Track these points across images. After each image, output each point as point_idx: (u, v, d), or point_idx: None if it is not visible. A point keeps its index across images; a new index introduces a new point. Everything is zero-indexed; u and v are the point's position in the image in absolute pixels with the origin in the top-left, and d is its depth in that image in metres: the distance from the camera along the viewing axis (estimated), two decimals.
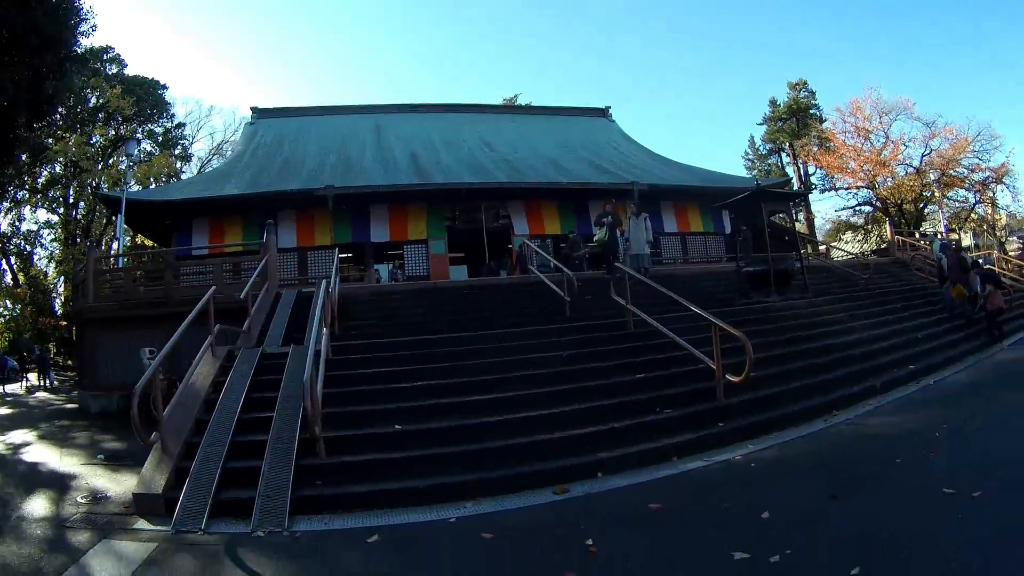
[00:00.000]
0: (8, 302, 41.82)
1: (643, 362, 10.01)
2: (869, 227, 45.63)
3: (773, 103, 56.89)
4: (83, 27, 18.96)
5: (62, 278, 42.77)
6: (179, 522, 6.20)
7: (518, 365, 9.77)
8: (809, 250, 33.08)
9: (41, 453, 11.00)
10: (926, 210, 41.34)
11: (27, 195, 42.96)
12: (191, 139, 54.14)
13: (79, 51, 20.78)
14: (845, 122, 42.21)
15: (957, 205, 42.11)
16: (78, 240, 42.41)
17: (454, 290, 16.74)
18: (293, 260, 23.78)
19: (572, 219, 26.08)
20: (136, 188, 39.38)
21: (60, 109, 31.88)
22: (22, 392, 26.80)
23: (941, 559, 4.30)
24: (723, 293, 16.07)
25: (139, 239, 36.75)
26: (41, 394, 25.70)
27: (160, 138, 50.64)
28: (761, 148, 59.02)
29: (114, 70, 47.61)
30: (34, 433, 13.30)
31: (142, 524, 6.42)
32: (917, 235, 30.82)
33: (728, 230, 27.02)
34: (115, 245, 30.23)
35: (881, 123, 40.30)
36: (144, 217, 26.02)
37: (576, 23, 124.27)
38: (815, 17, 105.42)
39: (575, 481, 6.88)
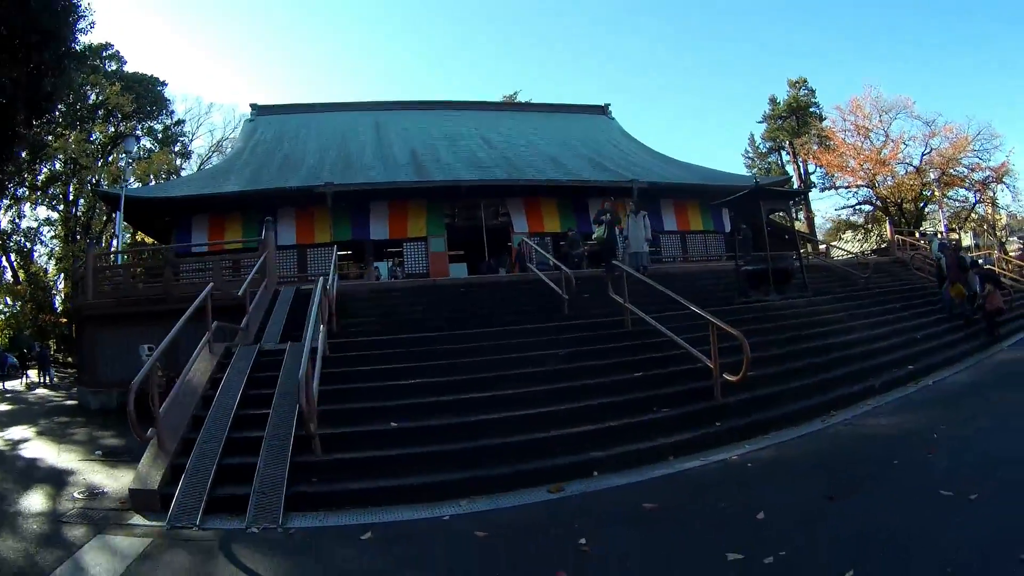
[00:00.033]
0: (8, 299, 41.82)
1: (640, 361, 9.97)
2: (869, 226, 45.51)
3: (773, 101, 56.85)
4: (81, 24, 18.89)
5: (62, 275, 42.73)
6: (174, 518, 6.21)
7: (515, 363, 9.73)
8: (809, 249, 33.10)
9: (39, 449, 11.01)
10: (926, 209, 41.26)
11: (27, 192, 42.95)
12: (191, 136, 54.20)
13: (78, 48, 20.72)
14: (845, 120, 42.20)
15: (957, 205, 42.02)
16: (78, 237, 42.35)
17: (453, 288, 16.71)
18: (293, 257, 23.87)
19: (572, 217, 26.11)
20: (136, 185, 39.39)
21: (60, 106, 31.96)
22: (22, 389, 26.81)
23: (937, 562, 4.27)
24: (722, 292, 16.09)
25: (139, 236, 36.79)
26: (41, 391, 25.72)
27: (160, 135, 50.63)
28: (761, 146, 59.03)
29: (114, 67, 47.59)
30: (33, 429, 13.32)
31: (137, 520, 6.43)
32: (917, 234, 30.73)
33: (728, 228, 26.92)
34: (115, 242, 30.17)
35: (881, 122, 40.28)
36: (144, 214, 26.09)
37: (576, 21, 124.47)
38: (816, 16, 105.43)
39: (571, 480, 6.86)
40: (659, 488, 6.58)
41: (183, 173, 46.30)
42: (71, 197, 44.92)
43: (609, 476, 7.00)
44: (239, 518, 6.15)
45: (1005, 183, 38.83)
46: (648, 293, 11.66)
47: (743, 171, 51.28)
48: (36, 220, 46.97)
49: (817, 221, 50.85)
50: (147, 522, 6.33)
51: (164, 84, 50.16)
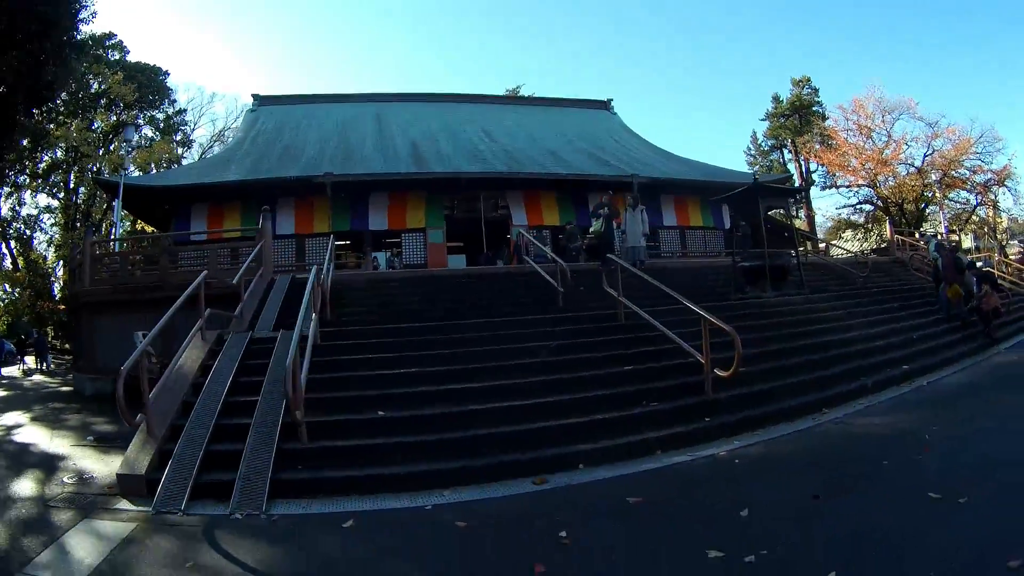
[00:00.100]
0: (7, 286, 41.89)
1: (632, 354, 9.95)
2: (869, 226, 45.41)
3: (776, 99, 56.76)
4: (83, 14, 18.97)
5: (61, 262, 42.77)
6: (160, 503, 6.24)
7: (507, 354, 9.73)
8: (809, 247, 33.05)
9: (32, 435, 11.05)
10: (927, 210, 41.19)
11: (28, 180, 43.09)
12: (192, 125, 54.27)
13: (79, 38, 20.71)
14: (847, 120, 42.22)
15: (958, 206, 41.91)
16: (78, 225, 42.41)
17: (449, 279, 16.73)
18: (291, 247, 23.85)
19: (571, 211, 26.04)
20: (137, 174, 39.37)
21: (62, 95, 32.05)
22: (19, 375, 26.88)
23: (922, 567, 4.21)
24: (720, 288, 16.04)
25: (140, 225, 36.81)
26: (37, 377, 25.78)
27: (161, 124, 50.66)
28: (763, 144, 59.02)
29: (116, 56, 47.62)
30: (27, 415, 13.36)
31: (124, 504, 6.46)
32: (917, 235, 30.73)
33: (728, 225, 26.85)
34: (114, 230, 30.21)
35: (883, 122, 40.23)
36: (143, 202, 26.12)
37: (580, 17, 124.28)
38: (821, 15, 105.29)
39: (557, 472, 6.85)
40: (645, 482, 6.54)
41: (184, 162, 46.33)
42: (72, 185, 45.04)
43: (595, 469, 6.96)
44: (224, 504, 6.17)
45: (1007, 186, 38.92)
46: (643, 287, 11.64)
47: (745, 168, 51.30)
48: (36, 207, 47.32)
49: (818, 219, 50.89)
50: (133, 507, 6.35)
51: (167, 74, 50.24)
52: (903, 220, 37.86)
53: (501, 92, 56.11)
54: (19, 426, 12.03)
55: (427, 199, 25.24)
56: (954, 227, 41.62)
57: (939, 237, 29.16)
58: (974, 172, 38.29)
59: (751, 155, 59.82)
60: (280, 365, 8.41)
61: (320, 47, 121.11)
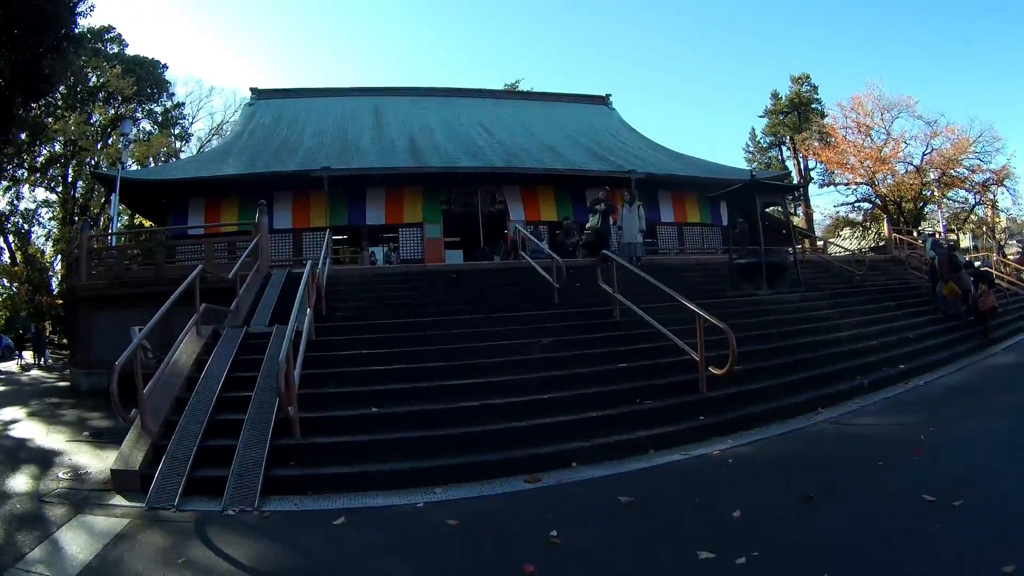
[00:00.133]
0: (5, 280, 41.91)
1: (626, 351, 9.90)
2: (868, 224, 45.45)
3: (775, 96, 56.78)
4: (81, 7, 18.98)
5: (59, 257, 42.80)
6: (153, 499, 6.24)
7: (501, 351, 9.71)
8: (807, 245, 33.04)
9: (28, 430, 11.07)
10: (925, 209, 41.23)
11: (26, 174, 43.00)
12: (191, 119, 54.13)
13: (77, 31, 20.72)
14: (846, 117, 42.31)
15: (957, 206, 41.99)
16: (76, 219, 42.33)
17: (445, 274, 16.65)
18: (288, 242, 23.92)
19: (568, 206, 26.08)
20: (135, 168, 39.35)
21: (60, 88, 32.03)
22: (16, 370, 26.84)
23: (914, 571, 4.19)
24: (715, 285, 15.95)
25: (138, 219, 36.78)
26: (35, 372, 25.78)
27: (160, 118, 50.57)
28: (762, 141, 59.06)
29: (115, 50, 47.54)
30: (24, 410, 13.36)
31: (118, 500, 6.48)
32: (915, 234, 30.71)
33: (726, 222, 26.89)
34: (111, 224, 30.22)
35: (882, 120, 40.32)
36: (141, 196, 26.10)
37: (579, 11, 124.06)
38: (821, 10, 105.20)
39: (549, 470, 6.82)
40: (637, 481, 6.50)
41: (182, 156, 46.28)
42: (70, 179, 45.00)
43: (588, 467, 6.94)
44: (217, 500, 6.17)
45: (1005, 186, 38.99)
46: (639, 284, 11.60)
47: (744, 165, 51.27)
48: (34, 201, 47.24)
49: (816, 217, 50.86)
50: (127, 503, 6.37)
51: (165, 67, 50.12)
52: (901, 219, 37.91)
53: (500, 86, 56.17)
54: (15, 421, 12.02)
55: (424, 194, 25.29)
56: (952, 226, 41.68)
57: (936, 236, 29.19)
58: (973, 171, 38.42)
59: (750, 152, 59.88)
60: (274, 361, 8.38)
61: (319, 40, 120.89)
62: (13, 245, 44.91)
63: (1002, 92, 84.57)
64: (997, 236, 46.93)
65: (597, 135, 33.48)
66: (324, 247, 14.05)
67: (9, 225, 44.85)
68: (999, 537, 4.61)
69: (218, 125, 52.75)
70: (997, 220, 46.92)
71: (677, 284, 10.83)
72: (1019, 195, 39.49)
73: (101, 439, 9.66)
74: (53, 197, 46.42)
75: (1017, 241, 53.03)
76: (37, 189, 46.11)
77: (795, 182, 46.64)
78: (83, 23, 21.54)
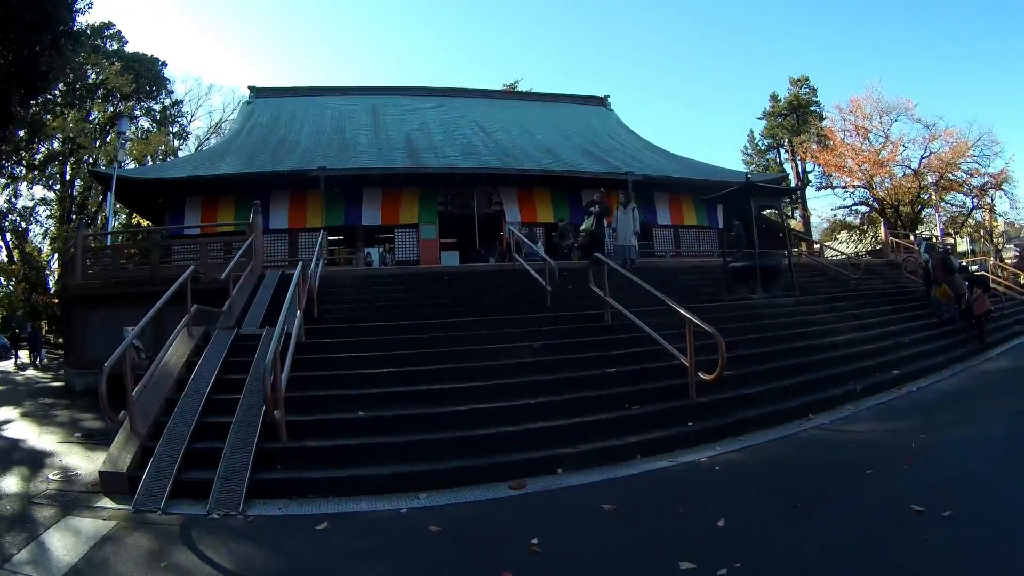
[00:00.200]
0: (2, 279, 41.85)
1: (617, 356, 9.88)
2: (865, 227, 45.49)
3: (774, 98, 56.75)
4: (79, 4, 19.05)
5: (56, 255, 42.76)
6: (140, 502, 6.27)
7: (492, 355, 9.69)
8: (804, 248, 33.04)
9: (21, 430, 11.09)
10: (923, 213, 41.23)
11: (24, 171, 42.90)
12: (189, 117, 54.01)
13: (75, 28, 20.72)
14: (844, 120, 42.25)
15: (954, 209, 41.97)
16: (73, 218, 42.28)
17: (439, 276, 16.58)
18: (284, 241, 23.91)
19: (565, 207, 26.08)
20: (133, 166, 39.34)
21: (59, 86, 32.00)
22: (12, 370, 26.79)
23: None
24: (711, 288, 15.98)
25: (135, 219, 36.76)
26: (30, 371, 25.72)
27: (158, 116, 50.48)
28: (760, 143, 59.00)
29: (114, 47, 47.38)
30: (17, 411, 13.36)
31: (106, 502, 6.52)
32: (912, 237, 30.71)
33: (722, 224, 26.88)
34: (108, 223, 30.21)
35: (881, 123, 40.29)
36: (138, 195, 26.07)
37: (578, 11, 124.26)
38: (822, 12, 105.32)
39: (534, 476, 6.80)
40: (622, 489, 6.49)
41: (180, 154, 46.25)
42: (67, 177, 44.93)
43: (573, 474, 6.91)
44: (202, 503, 6.19)
45: (1003, 190, 39.07)
46: (632, 287, 11.51)
47: (742, 168, 51.24)
48: (32, 199, 47.13)
49: (814, 220, 50.83)
50: (114, 505, 6.40)
51: (164, 64, 49.84)
52: (899, 222, 37.90)
53: (499, 86, 56.17)
54: (8, 422, 12.02)
55: (421, 194, 25.27)
56: (950, 230, 41.67)
57: (934, 240, 29.18)
58: (971, 175, 38.41)
59: (748, 154, 59.84)
60: (263, 363, 8.45)
61: (319, 39, 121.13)
62: (11, 243, 44.87)
63: (1002, 92, 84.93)
64: (995, 240, 46.94)
65: (595, 136, 33.52)
66: (317, 248, 14.04)
67: (6, 223, 44.81)
68: (988, 550, 4.56)
69: (217, 123, 52.80)
70: (995, 224, 46.92)
71: (672, 287, 10.84)
72: (1017, 199, 39.67)
73: (93, 440, 9.67)
74: (51, 195, 46.45)
75: (1015, 245, 52.98)
76: (35, 187, 46.15)
77: (793, 185, 46.68)
78: (82, 20, 21.64)
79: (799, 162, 51.44)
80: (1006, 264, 31.37)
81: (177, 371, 9.04)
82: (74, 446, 9.49)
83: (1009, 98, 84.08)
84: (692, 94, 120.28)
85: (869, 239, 44.13)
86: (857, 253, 36.54)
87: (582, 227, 17.92)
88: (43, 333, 35.77)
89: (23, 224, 46.35)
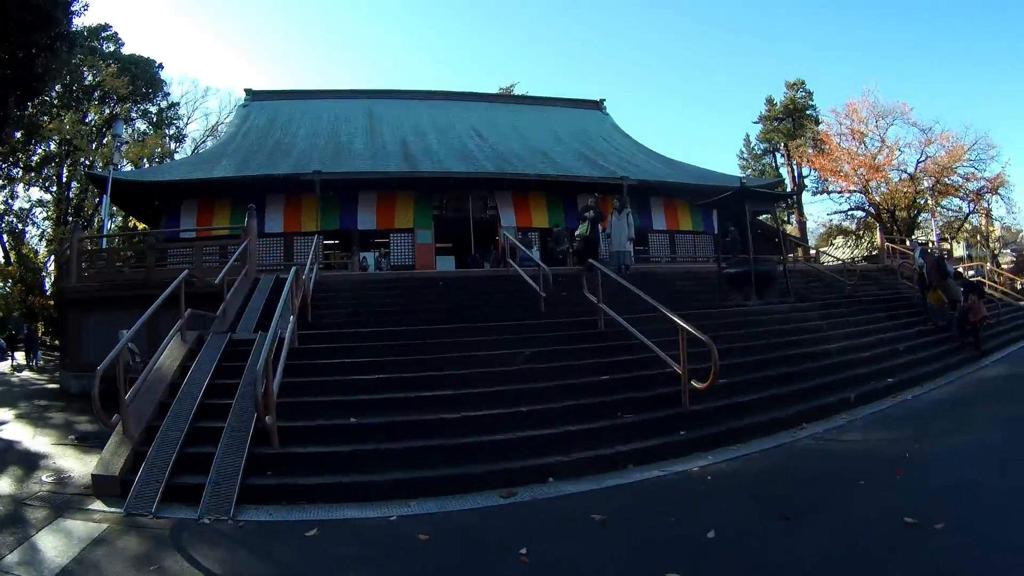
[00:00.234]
0: None
1: (609, 363, 9.83)
2: (861, 232, 45.49)
3: (770, 102, 56.96)
4: (75, 5, 19.03)
5: (52, 257, 42.72)
6: (131, 505, 6.30)
7: (484, 361, 9.66)
8: (800, 254, 33.07)
9: (15, 432, 11.14)
10: (919, 218, 41.27)
11: (20, 172, 42.88)
12: (186, 120, 53.81)
13: (72, 30, 20.70)
14: (840, 124, 42.25)
15: (951, 214, 42.05)
16: (70, 219, 42.27)
17: (433, 281, 16.62)
18: (279, 246, 23.86)
19: (560, 212, 26.14)
20: (129, 168, 39.31)
21: (56, 87, 31.99)
22: (8, 371, 26.79)
23: None
24: (706, 294, 15.95)
25: (132, 222, 36.75)
26: (26, 373, 25.78)
27: (154, 118, 50.41)
28: (756, 148, 59.12)
29: (111, 48, 47.35)
30: (12, 412, 13.43)
31: (97, 505, 6.56)
32: (908, 243, 30.73)
33: (718, 230, 26.87)
34: (104, 226, 30.22)
35: (877, 127, 40.29)
36: (134, 198, 26.08)
37: (575, 15, 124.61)
38: (818, 15, 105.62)
39: (525, 485, 6.77)
40: (612, 498, 6.45)
41: (176, 157, 46.13)
42: (64, 179, 44.88)
43: (564, 483, 6.87)
44: (193, 508, 6.21)
45: (1000, 194, 38.95)
46: (625, 293, 11.48)
47: (738, 172, 51.37)
48: (29, 201, 47.07)
49: (810, 225, 50.84)
50: (106, 508, 6.44)
51: (160, 66, 49.75)
52: (895, 227, 37.94)
53: (497, 88, 56.25)
54: (3, 423, 12.09)
55: (416, 198, 25.28)
56: (946, 235, 41.72)
57: (930, 246, 29.22)
58: (967, 179, 38.37)
59: (744, 159, 59.99)
60: (256, 368, 8.47)
61: (316, 40, 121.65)
62: (7, 245, 44.84)
63: (1000, 92, 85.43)
64: (991, 245, 46.98)
65: (590, 140, 33.54)
66: (311, 252, 14.05)
67: (3, 224, 44.74)
68: (980, 564, 4.55)
69: (213, 126, 52.56)
70: (991, 229, 46.95)
71: (666, 293, 10.81)
72: (1014, 203, 39.62)
73: (86, 443, 9.72)
74: (47, 197, 46.34)
75: (1011, 250, 53.07)
76: (32, 188, 46.10)
77: (789, 190, 46.73)
78: (78, 22, 21.65)
79: (795, 167, 51.53)
80: (1002, 269, 31.42)
81: (171, 375, 9.05)
82: (68, 448, 9.56)
83: (1006, 98, 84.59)
84: (690, 94, 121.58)
85: (865, 244, 44.12)
86: (853, 259, 36.41)
87: (577, 232, 17.96)
88: (39, 335, 35.80)
89: (19, 225, 46.30)
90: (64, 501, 6.74)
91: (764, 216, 26.16)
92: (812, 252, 35.03)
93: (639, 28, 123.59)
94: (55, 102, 38.95)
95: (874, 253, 35.53)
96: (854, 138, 41.06)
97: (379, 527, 5.87)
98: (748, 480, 7.02)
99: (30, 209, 46.74)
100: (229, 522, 5.96)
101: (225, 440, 7.17)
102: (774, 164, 56.87)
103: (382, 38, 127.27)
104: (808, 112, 53.60)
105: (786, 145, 52.31)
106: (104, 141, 43.20)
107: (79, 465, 8.26)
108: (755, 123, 58.65)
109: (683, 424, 8.35)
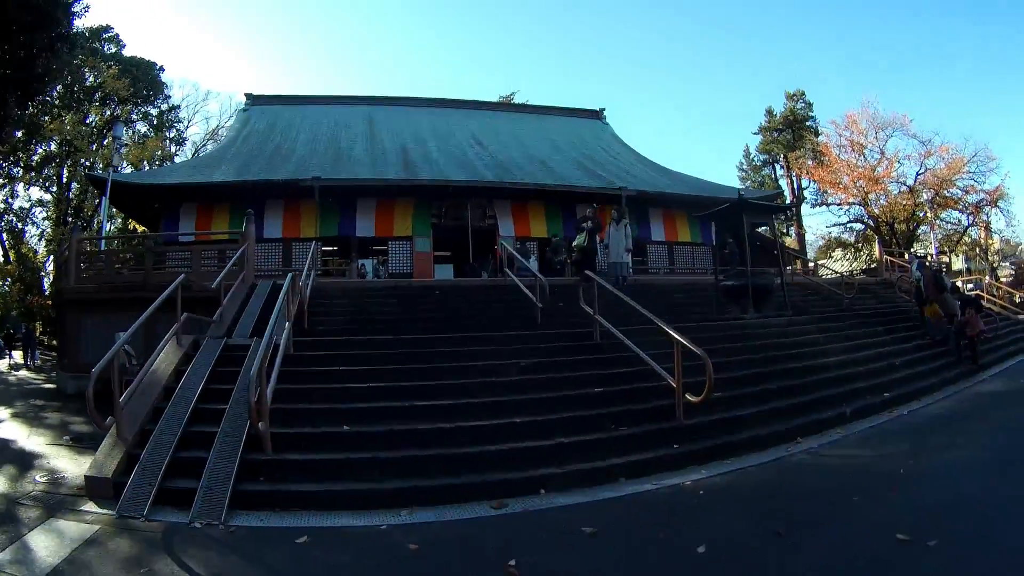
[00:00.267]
0: None
1: (604, 375, 9.79)
2: (859, 245, 45.46)
3: (770, 113, 57.04)
4: (76, 7, 19.06)
5: (51, 257, 42.71)
6: (123, 507, 6.32)
7: (480, 372, 9.65)
8: (798, 266, 33.05)
9: (11, 431, 11.20)
10: (918, 230, 41.27)
11: (21, 172, 42.90)
12: (186, 123, 54.00)
13: (73, 31, 20.75)
14: (840, 136, 42.32)
15: (950, 227, 42.06)
16: (69, 220, 42.27)
17: (431, 290, 16.65)
18: (278, 251, 23.88)
19: (559, 222, 26.17)
20: (129, 170, 39.33)
21: (57, 88, 32.03)
22: (5, 370, 26.79)
23: None
24: (703, 306, 15.94)
25: (131, 224, 36.76)
26: (23, 372, 25.79)
27: (155, 120, 50.49)
28: (756, 159, 59.18)
29: (112, 50, 47.47)
30: (8, 411, 13.48)
31: (90, 506, 6.60)
32: (907, 256, 30.74)
33: (716, 241, 26.84)
34: (103, 228, 30.23)
35: (876, 139, 40.39)
36: (133, 200, 26.10)
37: (576, 17, 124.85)
38: (820, 25, 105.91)
39: (517, 496, 6.75)
40: (604, 511, 6.42)
41: (177, 160, 46.19)
42: (64, 179, 44.92)
43: (556, 495, 6.84)
44: (185, 512, 6.22)
45: (999, 207, 39.00)
46: (621, 305, 11.45)
47: (737, 184, 51.35)
48: (28, 201, 47.08)
49: (809, 238, 50.87)
50: (98, 509, 6.47)
51: (161, 69, 49.91)
52: (894, 240, 37.94)
53: (497, 95, 56.46)
54: None
55: (415, 206, 25.33)
56: (945, 248, 41.71)
57: (928, 259, 29.21)
58: (967, 192, 38.46)
59: (743, 170, 60.06)
60: (250, 374, 8.48)
61: (315, 47, 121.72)
62: (7, 244, 44.84)
63: (1000, 102, 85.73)
64: (990, 258, 46.95)
65: (590, 150, 33.66)
66: (309, 259, 14.04)
67: (3, 223, 44.75)
68: None
69: (213, 130, 52.60)
70: (990, 242, 46.92)
71: (664, 306, 10.77)
72: (1013, 216, 39.67)
73: (81, 444, 9.74)
74: (47, 197, 46.35)
75: (1011, 263, 53.03)
76: (32, 188, 46.14)
77: (788, 201, 46.76)
78: (79, 23, 21.69)
79: (794, 178, 51.57)
80: (1001, 283, 31.40)
81: (165, 379, 9.05)
82: (62, 449, 9.58)
83: (1006, 107, 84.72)
84: (690, 100, 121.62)
85: (864, 257, 44.08)
86: (851, 271, 36.35)
87: (574, 243, 17.94)
88: (37, 334, 35.79)
89: (19, 225, 46.31)
90: (57, 501, 6.76)
91: (763, 228, 26.12)
92: (811, 264, 35.02)
93: (640, 30, 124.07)
94: (56, 102, 38.99)
95: (873, 266, 35.50)
96: (853, 150, 41.15)
97: (369, 536, 5.85)
98: (742, 494, 6.98)
99: (30, 209, 46.86)
100: (220, 527, 5.97)
101: (218, 445, 7.17)
102: (774, 175, 56.95)
103: (382, 39, 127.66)
104: (808, 123, 53.69)
105: (786, 156, 52.38)
106: (104, 142, 43.25)
107: (73, 466, 8.29)
108: (755, 134, 58.87)
109: (678, 437, 8.31)
